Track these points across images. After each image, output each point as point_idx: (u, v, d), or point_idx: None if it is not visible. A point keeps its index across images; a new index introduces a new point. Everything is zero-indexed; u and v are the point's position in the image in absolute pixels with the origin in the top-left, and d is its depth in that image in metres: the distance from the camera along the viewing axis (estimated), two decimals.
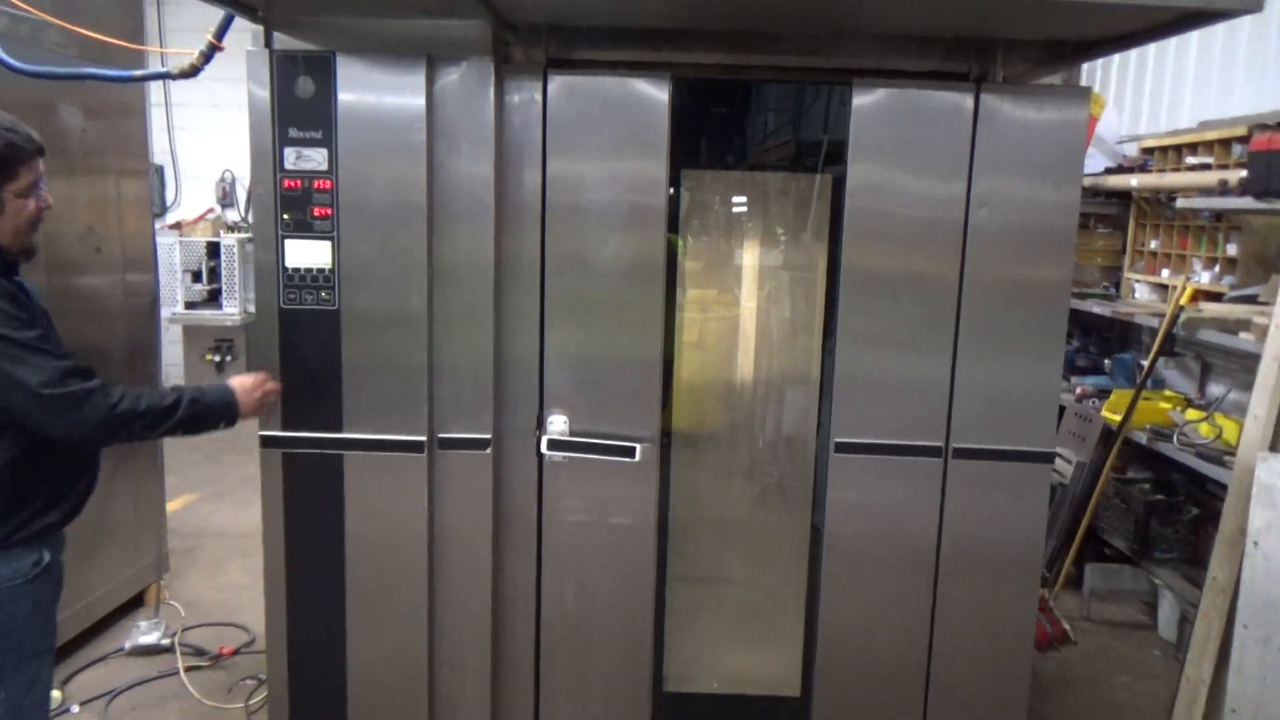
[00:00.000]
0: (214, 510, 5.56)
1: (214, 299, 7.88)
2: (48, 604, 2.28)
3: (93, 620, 3.92)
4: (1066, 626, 4.27)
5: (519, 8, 2.46)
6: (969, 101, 2.60)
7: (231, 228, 8.47)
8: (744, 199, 3.14)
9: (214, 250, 7.84)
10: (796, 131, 2.95)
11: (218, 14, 2.52)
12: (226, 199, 8.74)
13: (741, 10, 2.53)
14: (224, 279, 7.91)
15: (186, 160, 8.54)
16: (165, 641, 3.87)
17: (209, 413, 2.33)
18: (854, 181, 2.66)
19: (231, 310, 7.96)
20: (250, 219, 2.29)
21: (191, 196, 8.66)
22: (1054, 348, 2.72)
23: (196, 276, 7.84)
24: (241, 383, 2.43)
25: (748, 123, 3.01)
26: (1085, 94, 2.63)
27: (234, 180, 8.72)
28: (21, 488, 2.15)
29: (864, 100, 2.63)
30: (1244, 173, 3.81)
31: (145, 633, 3.88)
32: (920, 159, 2.65)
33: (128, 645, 3.86)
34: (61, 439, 2.13)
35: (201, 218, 8.43)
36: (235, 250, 7.97)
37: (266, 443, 2.63)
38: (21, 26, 3.44)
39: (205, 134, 8.40)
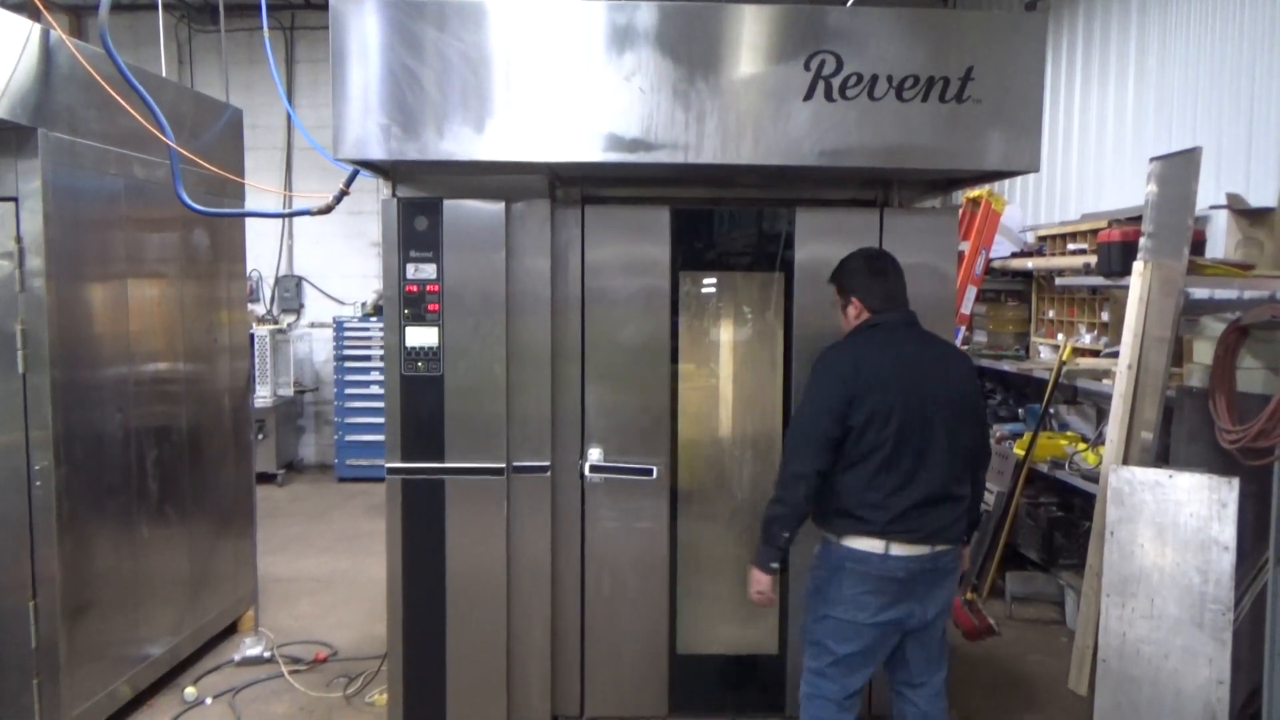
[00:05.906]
0: (274, 562, 6.41)
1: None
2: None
3: (205, 640, 4.82)
4: (991, 621, 5.28)
5: (564, 168, 3.57)
6: (876, 219, 3.73)
7: (260, 320, 9.46)
8: (723, 290, 4.22)
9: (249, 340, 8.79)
10: (759, 242, 3.94)
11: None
12: (253, 294, 9.70)
13: (709, 177, 3.68)
14: (255, 366, 8.82)
15: None
16: (267, 654, 4.76)
17: (771, 543, 3.08)
18: (800, 276, 3.77)
19: (263, 393, 8.88)
20: (381, 310, 3.25)
21: None
22: None
23: None
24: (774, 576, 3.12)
25: (726, 237, 3.99)
26: (953, 213, 3.80)
27: (260, 279, 9.75)
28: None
29: (805, 220, 3.76)
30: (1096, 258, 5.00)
31: (250, 647, 4.78)
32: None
33: (237, 657, 4.75)
34: None
35: None
36: (267, 340, 8.94)
37: (392, 471, 3.62)
38: (159, 171, 4.44)
39: None
